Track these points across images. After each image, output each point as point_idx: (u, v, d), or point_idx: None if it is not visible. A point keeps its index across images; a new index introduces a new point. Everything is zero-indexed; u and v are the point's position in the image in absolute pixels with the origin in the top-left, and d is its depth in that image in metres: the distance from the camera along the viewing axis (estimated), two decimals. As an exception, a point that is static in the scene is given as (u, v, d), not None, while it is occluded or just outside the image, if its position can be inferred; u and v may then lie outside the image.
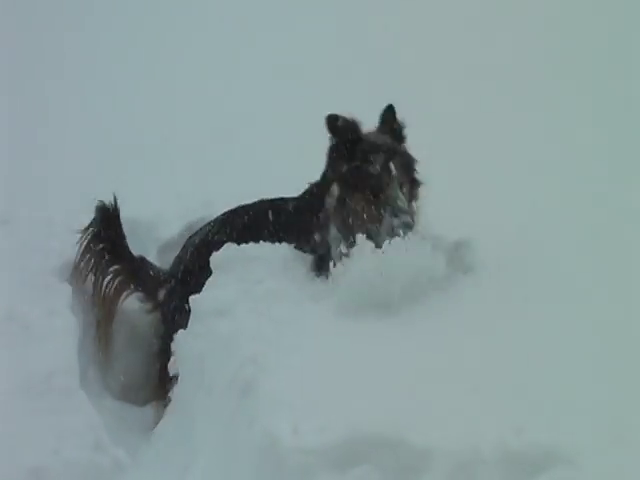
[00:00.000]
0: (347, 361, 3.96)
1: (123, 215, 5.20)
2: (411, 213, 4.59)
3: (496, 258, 4.48)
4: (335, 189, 4.77)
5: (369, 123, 4.86)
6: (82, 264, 5.07)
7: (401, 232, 4.48)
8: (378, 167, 4.65)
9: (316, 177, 4.95)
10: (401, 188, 4.66)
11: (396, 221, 4.52)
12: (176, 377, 4.56)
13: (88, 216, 5.08)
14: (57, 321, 4.51)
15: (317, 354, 4.08)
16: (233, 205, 5.20)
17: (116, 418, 4.58)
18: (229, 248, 4.87)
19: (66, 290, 4.85)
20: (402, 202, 4.58)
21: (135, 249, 5.32)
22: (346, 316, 4.32)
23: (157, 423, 4.65)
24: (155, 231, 5.74)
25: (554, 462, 3.14)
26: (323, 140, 4.69)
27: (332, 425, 3.65)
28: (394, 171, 4.66)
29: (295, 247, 4.87)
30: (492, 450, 3.27)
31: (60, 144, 6.87)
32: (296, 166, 5.42)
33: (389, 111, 4.92)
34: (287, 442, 3.72)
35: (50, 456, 3.65)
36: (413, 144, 4.94)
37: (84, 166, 6.29)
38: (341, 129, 4.71)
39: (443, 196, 4.83)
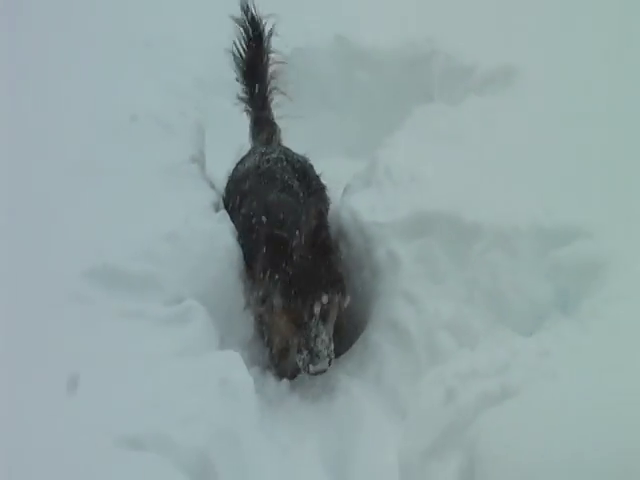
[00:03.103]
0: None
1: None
2: (328, 355, 3.47)
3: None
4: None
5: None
6: None
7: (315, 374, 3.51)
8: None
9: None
10: (324, 318, 3.51)
11: (311, 367, 3.46)
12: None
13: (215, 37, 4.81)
14: (189, 120, 4.46)
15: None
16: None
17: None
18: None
19: (196, 97, 4.76)
20: (322, 345, 3.46)
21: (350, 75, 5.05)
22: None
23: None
24: (370, 59, 5.14)
25: (576, 236, 3.09)
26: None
27: (400, 204, 3.65)
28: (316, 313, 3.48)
29: None
30: (528, 226, 3.23)
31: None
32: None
33: None
34: (366, 217, 3.74)
35: (182, 224, 3.65)
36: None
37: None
38: None
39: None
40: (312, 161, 4.26)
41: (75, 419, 2.58)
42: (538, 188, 3.33)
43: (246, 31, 4.50)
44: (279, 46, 4.86)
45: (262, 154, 4.12)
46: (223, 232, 3.79)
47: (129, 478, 2.43)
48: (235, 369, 3.05)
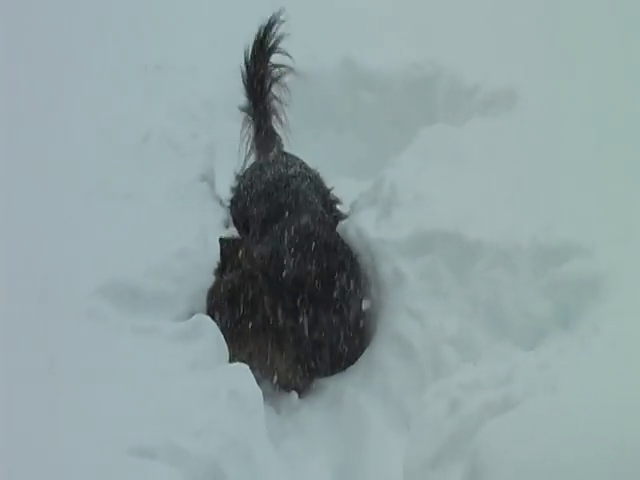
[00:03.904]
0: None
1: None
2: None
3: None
4: None
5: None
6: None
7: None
8: None
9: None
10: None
11: None
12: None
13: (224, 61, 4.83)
14: (199, 141, 4.50)
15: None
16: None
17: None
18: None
19: (207, 119, 4.81)
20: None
21: (356, 97, 5.10)
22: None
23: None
24: (376, 82, 5.12)
25: (575, 254, 3.12)
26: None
27: (404, 222, 3.69)
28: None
29: None
30: (528, 244, 3.26)
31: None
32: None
33: None
34: (371, 234, 3.78)
35: (193, 241, 3.71)
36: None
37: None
38: None
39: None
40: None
41: (89, 430, 2.60)
42: (538, 207, 3.37)
43: (255, 43, 4.49)
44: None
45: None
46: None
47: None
48: (244, 381, 3.08)
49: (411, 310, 3.55)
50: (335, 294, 3.64)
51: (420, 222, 3.64)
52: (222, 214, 4.09)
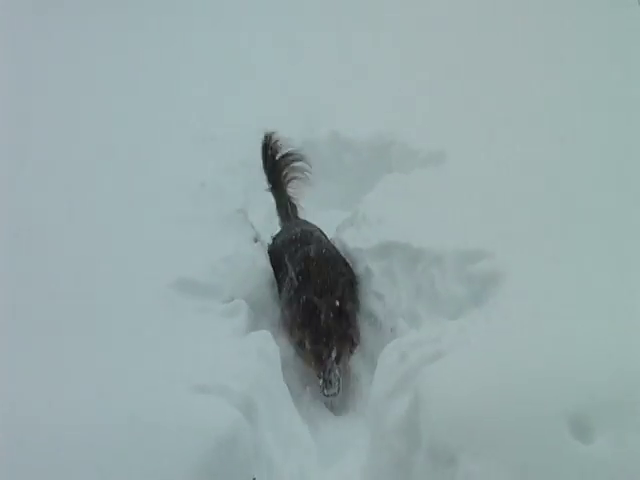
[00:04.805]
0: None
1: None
2: (338, 385, 3.32)
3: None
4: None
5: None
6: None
7: (327, 396, 3.32)
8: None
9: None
10: (337, 360, 3.34)
11: (325, 391, 3.31)
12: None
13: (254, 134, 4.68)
14: (238, 187, 4.45)
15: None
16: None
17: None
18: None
19: (243, 173, 4.74)
20: (332, 378, 3.31)
21: (340, 157, 5.02)
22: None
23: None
24: (353, 146, 5.03)
25: (482, 256, 3.06)
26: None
27: (372, 237, 3.67)
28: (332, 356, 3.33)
29: None
30: (452, 250, 3.24)
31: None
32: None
33: None
34: (351, 245, 3.78)
35: (234, 251, 3.64)
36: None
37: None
38: None
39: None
40: (318, 212, 4.29)
41: (163, 374, 2.60)
42: (460, 225, 3.35)
43: (266, 150, 4.39)
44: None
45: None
46: (259, 257, 3.81)
47: (199, 412, 2.44)
48: (267, 343, 3.07)
49: (377, 294, 3.54)
50: (345, 287, 3.54)
51: (382, 237, 3.61)
52: (252, 234, 4.05)
